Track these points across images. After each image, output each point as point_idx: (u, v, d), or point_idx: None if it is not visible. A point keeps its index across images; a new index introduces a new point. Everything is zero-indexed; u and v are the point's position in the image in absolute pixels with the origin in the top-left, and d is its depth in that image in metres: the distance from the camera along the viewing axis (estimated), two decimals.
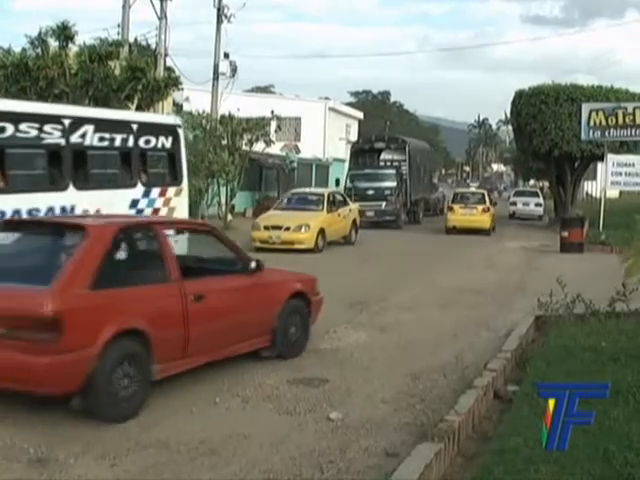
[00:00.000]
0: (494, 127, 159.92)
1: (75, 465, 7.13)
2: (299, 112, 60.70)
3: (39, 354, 7.82)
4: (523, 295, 17.13)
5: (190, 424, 8.25)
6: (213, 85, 38.20)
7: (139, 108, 25.92)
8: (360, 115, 76.42)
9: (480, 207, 37.46)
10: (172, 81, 27.15)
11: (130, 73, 24.55)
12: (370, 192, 38.77)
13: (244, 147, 33.97)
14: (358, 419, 8.49)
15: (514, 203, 53.12)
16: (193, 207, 30.31)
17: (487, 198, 39.00)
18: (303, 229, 26.20)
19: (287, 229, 26.22)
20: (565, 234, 27.78)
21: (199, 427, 8.16)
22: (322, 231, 26.71)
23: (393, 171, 41.32)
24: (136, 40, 36.23)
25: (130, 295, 8.81)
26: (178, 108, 36.80)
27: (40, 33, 23.96)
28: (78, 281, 8.30)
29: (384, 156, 44.93)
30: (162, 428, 8.08)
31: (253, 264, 10.65)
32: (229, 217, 34.44)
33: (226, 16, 38.12)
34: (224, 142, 33.01)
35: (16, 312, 8.00)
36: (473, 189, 54.95)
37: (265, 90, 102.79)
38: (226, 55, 38.93)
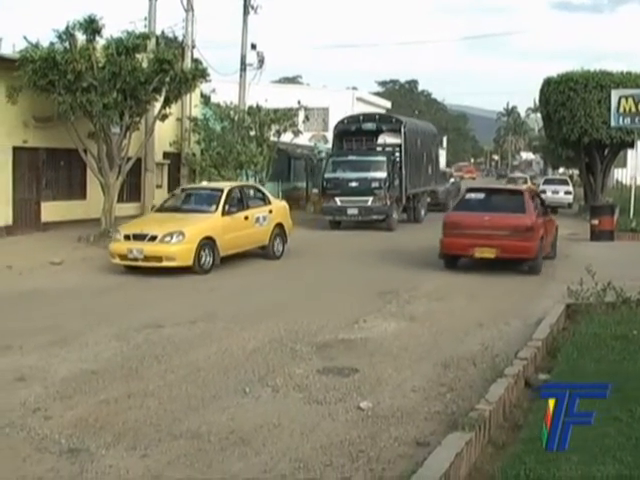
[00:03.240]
0: (523, 115, 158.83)
1: (106, 455, 7.17)
2: (327, 102, 60.56)
3: (526, 241, 18.58)
4: (553, 283, 17.06)
5: (220, 414, 8.26)
6: (240, 76, 38.13)
7: (167, 100, 25.98)
8: (388, 104, 76.23)
9: (524, 185, 49.34)
10: (199, 73, 27.10)
11: (157, 65, 24.56)
12: (354, 184, 31.56)
13: (272, 138, 33.92)
14: (388, 408, 8.48)
15: (544, 191, 52.62)
16: None
17: (529, 180, 57.66)
18: (174, 238, 18.47)
19: (152, 239, 18.52)
20: (595, 222, 27.51)
21: (229, 417, 8.18)
22: (210, 242, 19.03)
23: (383, 158, 32.52)
24: (163, 32, 36.24)
25: (543, 220, 20.11)
26: (206, 99, 36.80)
27: (67, 27, 23.99)
28: (532, 212, 19.31)
29: (374, 139, 35.31)
30: (192, 418, 8.11)
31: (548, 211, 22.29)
32: None
33: (252, 7, 38.07)
34: (252, 133, 32.99)
35: (517, 224, 18.80)
36: (519, 174, 75.21)
37: (292, 81, 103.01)
38: (253, 46, 38.84)
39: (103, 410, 8.36)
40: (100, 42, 24.56)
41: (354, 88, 71.38)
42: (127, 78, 23.77)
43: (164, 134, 30.52)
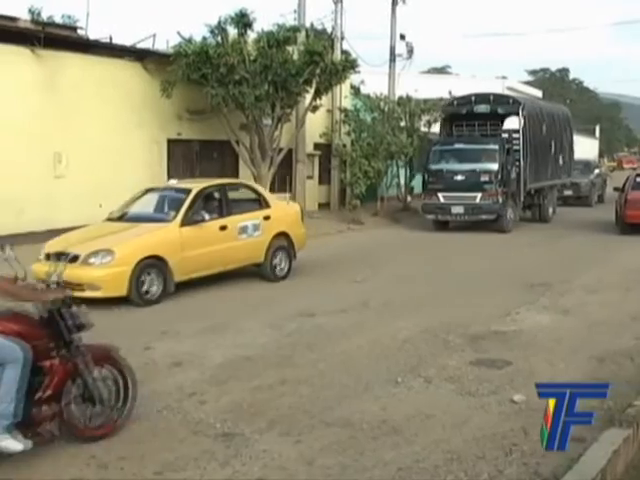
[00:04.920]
0: None
1: (260, 440, 7.29)
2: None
3: None
4: None
5: (372, 403, 8.29)
6: (390, 67, 38.17)
7: (318, 92, 26.19)
8: (539, 94, 74.72)
9: None
10: (349, 64, 27.20)
11: (308, 57, 24.80)
12: (459, 178, 26.77)
13: (423, 128, 33.88)
14: (542, 402, 8.29)
15: None
16: (372, 188, 30.63)
17: None
18: (99, 259, 13.86)
19: (74, 259, 13.39)
20: None
21: (381, 406, 8.20)
22: (157, 262, 14.28)
23: (495, 146, 27.13)
24: (312, 25, 36.56)
25: None
26: (355, 91, 36.94)
27: (219, 21, 24.53)
28: None
29: (488, 124, 29.34)
30: (344, 407, 8.16)
31: None
32: (408, 198, 34.44)
33: None
34: (402, 124, 32.98)
35: None
36: None
37: (441, 71, 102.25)
38: (402, 37, 38.80)
39: (257, 396, 8.51)
40: (251, 35, 25.01)
41: (504, 77, 70.07)
42: (278, 70, 24.10)
43: (315, 125, 30.77)
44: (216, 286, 15.39)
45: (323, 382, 9.03)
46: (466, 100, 29.76)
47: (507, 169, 26.97)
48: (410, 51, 38.96)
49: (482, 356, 10.17)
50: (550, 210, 31.07)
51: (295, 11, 30.85)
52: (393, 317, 12.52)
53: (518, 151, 27.98)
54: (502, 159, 26.80)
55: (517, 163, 27.71)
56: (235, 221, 16.04)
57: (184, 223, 15.06)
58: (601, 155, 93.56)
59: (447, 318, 12.34)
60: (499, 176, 26.54)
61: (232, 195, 16.75)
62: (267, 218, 16.63)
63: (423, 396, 8.59)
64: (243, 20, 24.46)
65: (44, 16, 32.56)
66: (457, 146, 28.18)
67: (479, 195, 26.34)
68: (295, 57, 25.00)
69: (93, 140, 22.61)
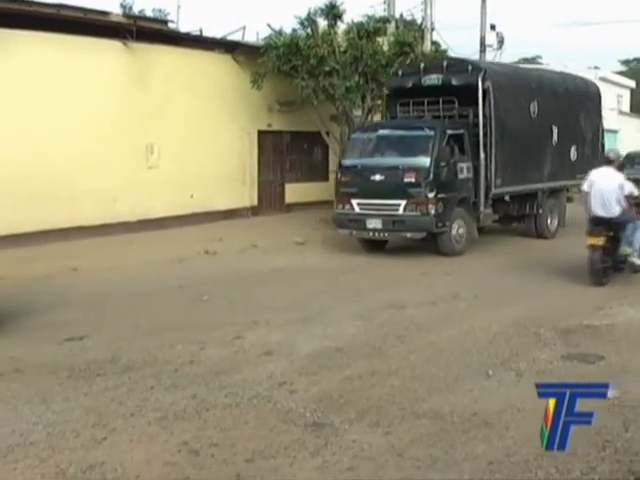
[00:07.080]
0: None
1: (350, 430, 7.28)
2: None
3: None
4: None
5: (463, 396, 8.23)
6: (480, 57, 37.80)
7: None
8: (632, 84, 73.29)
9: None
10: (440, 55, 27.09)
11: (398, 48, 24.72)
12: (377, 178, 18.43)
13: None
14: (635, 398, 8.16)
15: None
16: None
17: None
18: None
19: None
20: None
21: (472, 399, 8.13)
22: None
23: (430, 132, 18.55)
24: (402, 15, 36.43)
25: None
26: None
27: (309, 13, 24.62)
28: None
29: (441, 101, 20.41)
30: (435, 399, 8.11)
31: None
32: None
33: None
34: None
35: None
36: None
37: (532, 61, 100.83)
38: (492, 27, 38.41)
39: (347, 386, 8.51)
40: (341, 27, 25.01)
41: (596, 68, 68.84)
42: (368, 61, 24.07)
43: None
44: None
45: (413, 374, 8.99)
46: (414, 70, 21.54)
47: (450, 165, 18.60)
48: (500, 41, 38.54)
49: (574, 350, 10.01)
50: (554, 222, 22.57)
51: (385, 2, 30.87)
52: (484, 309, 12.42)
53: (480, 139, 19.39)
54: (439, 151, 18.35)
55: (474, 156, 19.38)
56: None
57: None
58: None
59: (538, 311, 12.20)
60: (431, 176, 18.10)
61: None
62: None
63: (514, 390, 8.47)
64: (333, 11, 24.50)
65: (135, 10, 33.09)
66: (380, 132, 20.05)
67: (402, 203, 18.13)
68: (385, 48, 24.94)
69: (184, 131, 22.93)
